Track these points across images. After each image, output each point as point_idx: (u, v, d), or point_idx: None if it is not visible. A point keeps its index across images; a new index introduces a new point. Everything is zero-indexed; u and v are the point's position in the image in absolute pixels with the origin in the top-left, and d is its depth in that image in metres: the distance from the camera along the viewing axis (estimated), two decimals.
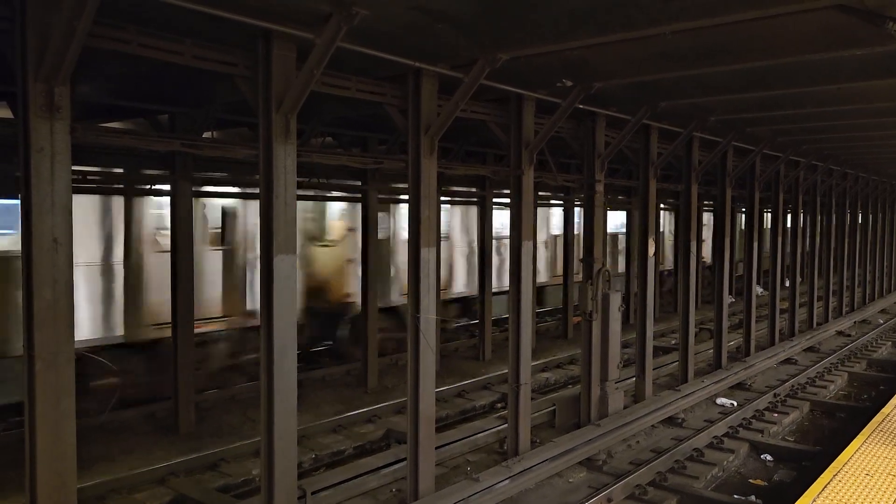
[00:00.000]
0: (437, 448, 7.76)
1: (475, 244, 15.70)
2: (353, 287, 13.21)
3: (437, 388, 7.53)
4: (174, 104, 8.99)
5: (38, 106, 4.44)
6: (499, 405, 11.46)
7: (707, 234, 19.95)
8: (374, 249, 12.40)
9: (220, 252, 11.51)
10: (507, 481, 7.64)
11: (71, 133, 4.62)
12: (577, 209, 17.42)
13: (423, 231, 7.09)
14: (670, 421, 10.50)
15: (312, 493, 7.32)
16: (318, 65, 5.37)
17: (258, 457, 7.25)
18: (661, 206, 20.71)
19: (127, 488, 7.72)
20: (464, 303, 16.44)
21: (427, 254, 7.17)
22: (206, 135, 9.05)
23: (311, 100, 5.91)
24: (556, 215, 18.71)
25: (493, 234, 14.88)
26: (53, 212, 4.56)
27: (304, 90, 5.55)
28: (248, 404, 10.90)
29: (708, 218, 20.91)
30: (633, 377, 11.51)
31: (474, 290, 15.56)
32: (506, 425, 9.18)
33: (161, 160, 9.67)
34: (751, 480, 8.69)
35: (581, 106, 8.41)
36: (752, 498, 7.93)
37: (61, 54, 4.33)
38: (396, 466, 8.26)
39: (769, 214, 17.91)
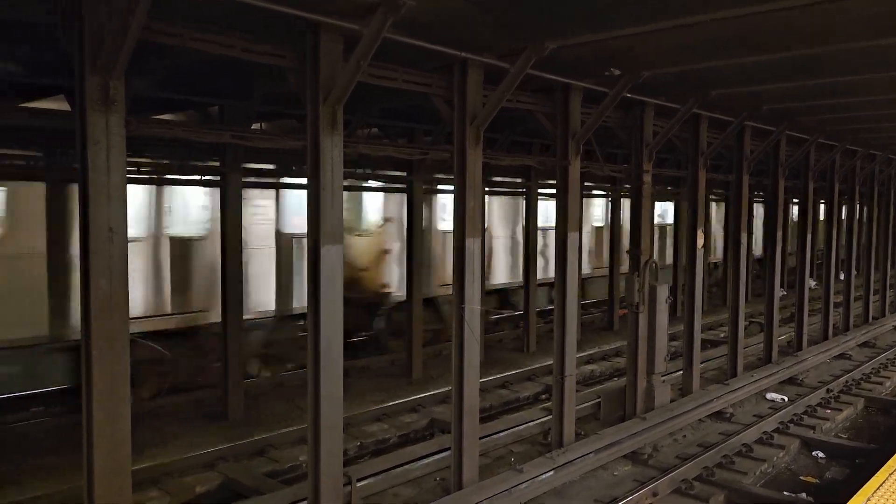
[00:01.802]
0: (480, 438, 7.78)
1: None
2: None
3: (480, 378, 7.53)
4: (223, 97, 9.13)
5: (94, 99, 4.54)
6: (543, 396, 11.42)
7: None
8: (418, 240, 12.45)
9: None
10: (551, 472, 7.62)
11: (126, 126, 4.73)
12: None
13: (468, 222, 7.08)
14: (718, 415, 10.32)
15: (357, 481, 7.41)
16: (365, 56, 5.39)
17: (304, 443, 7.38)
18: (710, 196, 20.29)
19: (178, 472, 7.93)
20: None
21: (472, 244, 7.16)
22: (255, 126, 9.18)
23: (357, 91, 5.94)
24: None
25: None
26: (109, 203, 4.68)
27: (351, 81, 5.58)
28: (294, 392, 11.08)
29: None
30: (680, 371, 11.34)
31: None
32: (550, 417, 9.15)
33: (212, 152, 9.84)
34: (802, 477, 8.49)
35: (629, 95, 8.28)
36: (803, 495, 7.75)
37: (116, 49, 4.42)
38: (440, 456, 8.31)
39: (823, 205, 17.42)
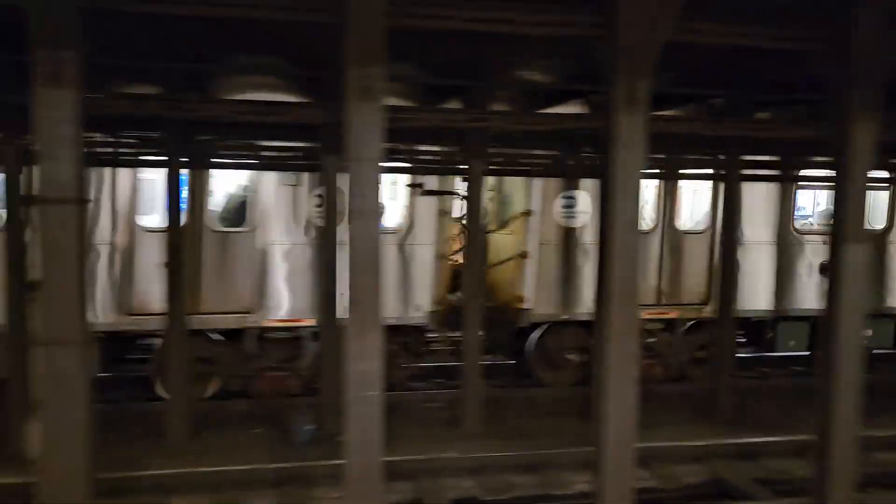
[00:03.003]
0: None
1: None
2: None
3: None
4: (725, 88, 8.91)
5: (622, 101, 4.89)
6: None
7: None
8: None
9: None
10: None
11: (645, 123, 4.98)
12: None
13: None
14: None
15: None
16: None
17: (799, 457, 6.88)
18: None
19: (666, 458, 8.10)
20: None
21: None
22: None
23: None
24: None
25: None
26: (629, 197, 4.97)
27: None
28: (784, 397, 10.35)
29: None
30: None
31: None
32: None
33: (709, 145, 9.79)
34: None
35: None
36: None
37: (644, 53, 4.71)
38: None
39: None
